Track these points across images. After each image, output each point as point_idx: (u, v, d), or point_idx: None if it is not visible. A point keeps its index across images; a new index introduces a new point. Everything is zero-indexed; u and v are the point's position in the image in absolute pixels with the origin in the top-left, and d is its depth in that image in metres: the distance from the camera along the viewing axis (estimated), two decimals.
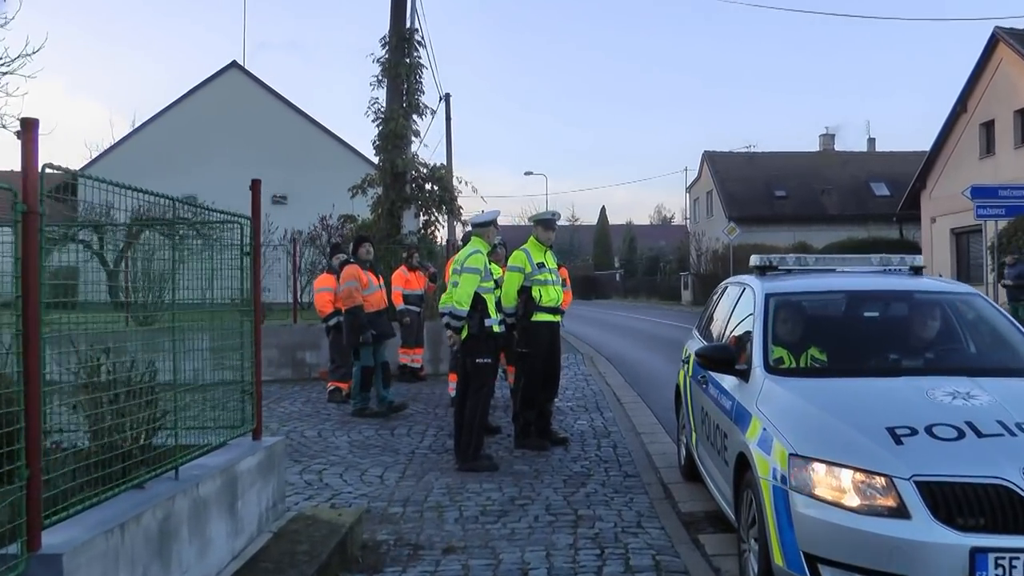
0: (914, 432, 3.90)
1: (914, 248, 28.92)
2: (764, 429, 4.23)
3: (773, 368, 4.86)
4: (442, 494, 6.48)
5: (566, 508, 6.08)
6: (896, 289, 5.68)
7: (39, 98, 72.08)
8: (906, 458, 3.75)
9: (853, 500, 3.73)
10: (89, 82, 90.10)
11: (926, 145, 30.70)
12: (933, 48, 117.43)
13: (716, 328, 6.50)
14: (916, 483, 3.64)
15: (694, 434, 6.27)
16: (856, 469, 3.77)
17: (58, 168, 2.97)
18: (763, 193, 43.90)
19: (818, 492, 3.81)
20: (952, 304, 5.58)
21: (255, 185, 4.96)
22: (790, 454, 3.92)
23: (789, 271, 6.10)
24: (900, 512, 3.63)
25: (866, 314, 5.56)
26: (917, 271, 6.12)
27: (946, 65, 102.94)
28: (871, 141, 51.20)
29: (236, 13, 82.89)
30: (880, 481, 3.72)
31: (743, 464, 4.44)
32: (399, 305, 11.88)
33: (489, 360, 7.33)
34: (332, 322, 10.73)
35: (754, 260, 6.13)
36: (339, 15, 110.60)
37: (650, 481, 6.88)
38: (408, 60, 15.51)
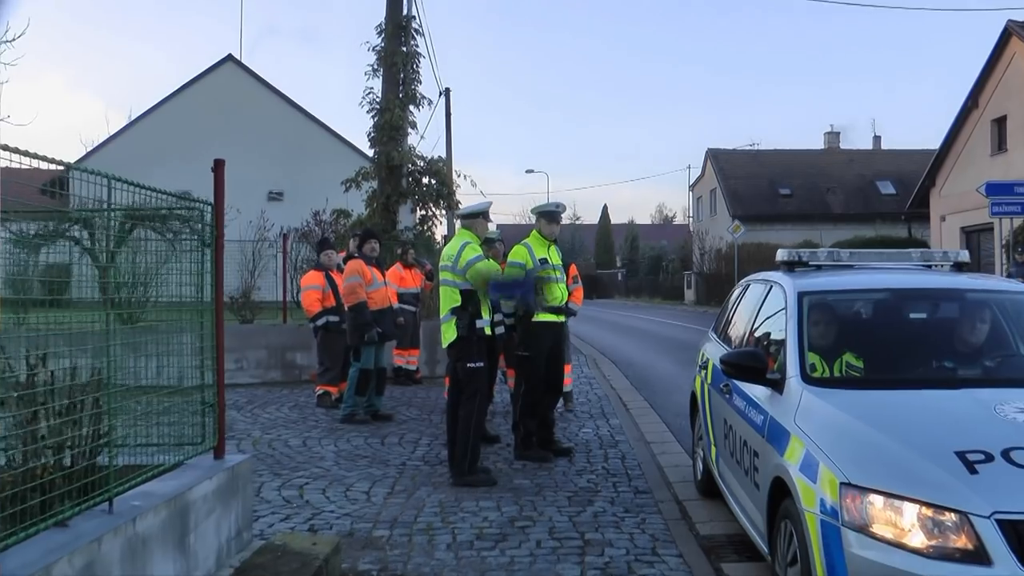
0: (989, 458, 3.27)
1: (923, 247, 28.27)
2: (807, 451, 3.60)
3: (811, 377, 4.23)
4: (434, 514, 5.85)
5: (572, 531, 5.45)
6: (946, 287, 5.05)
7: (38, 95, 71.32)
8: (984, 491, 3.12)
9: (918, 540, 3.11)
10: (89, 80, 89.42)
11: (933, 143, 30.12)
12: (941, 45, 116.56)
13: (737, 330, 5.88)
14: (998, 522, 3.02)
15: (714, 448, 5.65)
16: (923, 503, 3.15)
17: None
18: (767, 191, 43.26)
19: (876, 530, 3.18)
20: (1002, 304, 4.96)
21: (217, 166, 4.33)
22: (841, 483, 3.30)
23: (820, 267, 5.48)
24: (978, 557, 3.01)
25: (912, 315, 4.93)
26: (960, 267, 5.51)
27: (953, 62, 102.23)
28: (877, 139, 50.48)
29: (239, 6, 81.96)
30: (951, 518, 3.10)
31: (780, 490, 3.82)
32: (393, 304, 11.24)
33: (481, 364, 6.69)
34: (320, 322, 10.10)
35: (781, 255, 5.50)
36: (342, 2, 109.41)
37: (663, 498, 6.26)
38: (405, 48, 14.87)
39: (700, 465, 6.29)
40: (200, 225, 4.33)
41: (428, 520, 5.71)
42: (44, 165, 3.04)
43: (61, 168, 3.11)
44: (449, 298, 6.74)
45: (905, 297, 4.96)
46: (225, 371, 12.85)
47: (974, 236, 27.03)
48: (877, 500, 3.22)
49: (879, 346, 4.72)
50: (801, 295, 4.74)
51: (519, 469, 7.13)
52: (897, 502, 3.19)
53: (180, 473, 3.98)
